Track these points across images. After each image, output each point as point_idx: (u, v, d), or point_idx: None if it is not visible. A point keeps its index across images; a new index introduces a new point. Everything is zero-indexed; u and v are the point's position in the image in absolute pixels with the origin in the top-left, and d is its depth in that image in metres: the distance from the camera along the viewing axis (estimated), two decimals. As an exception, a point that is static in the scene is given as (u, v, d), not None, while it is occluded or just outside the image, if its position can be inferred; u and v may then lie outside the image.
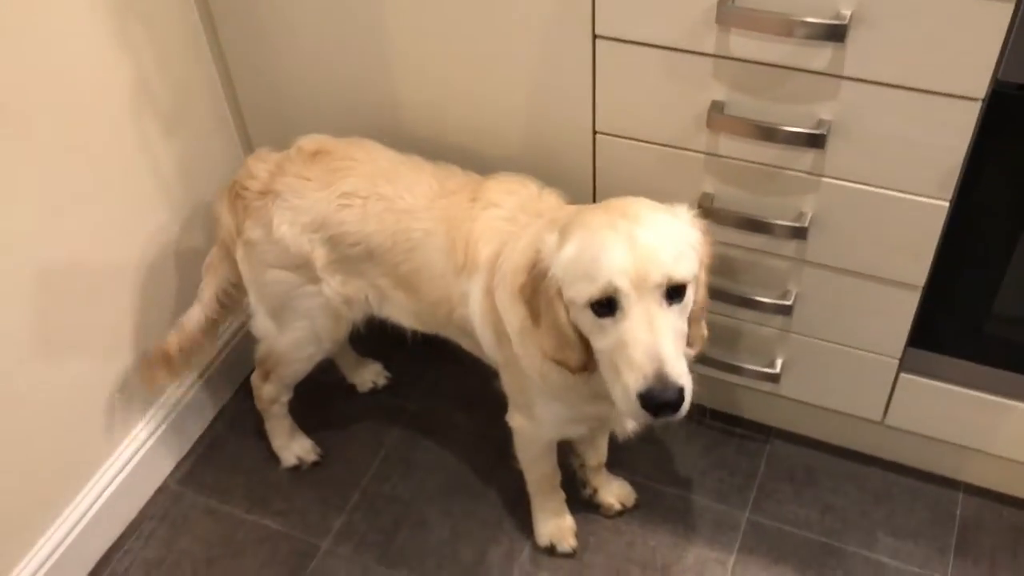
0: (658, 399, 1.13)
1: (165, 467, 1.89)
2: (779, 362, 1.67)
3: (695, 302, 1.24)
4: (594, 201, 1.58)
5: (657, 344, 1.14)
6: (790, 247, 1.50)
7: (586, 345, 1.25)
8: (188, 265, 1.82)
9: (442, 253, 1.45)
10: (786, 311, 1.57)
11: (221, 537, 1.79)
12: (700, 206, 1.48)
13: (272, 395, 1.80)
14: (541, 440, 1.57)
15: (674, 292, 1.18)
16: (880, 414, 1.68)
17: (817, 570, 1.68)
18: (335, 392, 2.02)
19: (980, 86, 1.22)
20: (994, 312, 1.45)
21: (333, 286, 1.55)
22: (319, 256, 1.52)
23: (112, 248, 1.66)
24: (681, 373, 1.15)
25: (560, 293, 1.22)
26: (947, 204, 1.35)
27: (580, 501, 1.77)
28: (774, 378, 1.68)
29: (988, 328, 1.48)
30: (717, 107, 1.37)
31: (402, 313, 1.58)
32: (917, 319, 1.51)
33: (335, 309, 1.59)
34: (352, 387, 2.03)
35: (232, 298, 1.71)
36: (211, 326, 1.74)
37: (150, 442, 1.83)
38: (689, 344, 1.26)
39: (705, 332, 1.35)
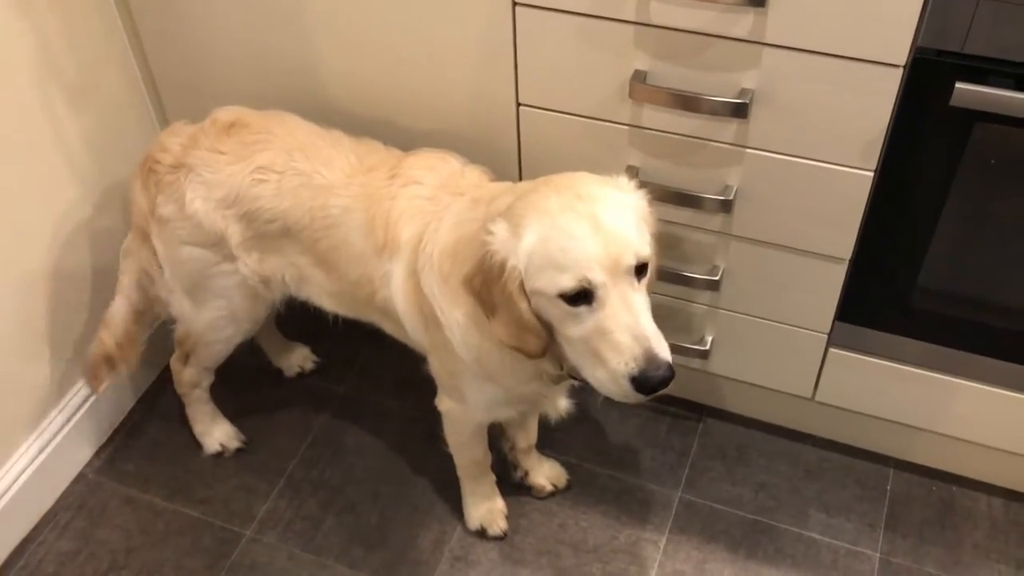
0: (653, 379, 1.13)
1: (82, 456, 1.82)
2: (709, 339, 1.65)
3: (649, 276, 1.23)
4: (520, 177, 1.55)
5: (640, 325, 1.14)
6: (716, 221, 1.48)
7: (548, 330, 1.22)
8: (103, 245, 1.75)
9: (361, 232, 1.40)
10: (714, 286, 1.55)
11: (140, 527, 1.73)
12: (626, 180, 1.46)
13: (192, 379, 1.74)
14: (471, 423, 1.53)
15: (640, 269, 1.17)
16: (810, 390, 1.66)
17: (749, 548, 1.66)
18: (261, 376, 1.96)
19: (901, 52, 1.20)
20: (920, 285, 1.44)
21: (250, 264, 1.50)
22: (233, 233, 1.47)
23: (19, 230, 1.59)
24: (665, 347, 1.15)
25: (522, 285, 1.18)
26: (872, 174, 1.33)
27: (511, 484, 1.74)
28: (704, 355, 1.66)
29: (915, 301, 1.47)
30: (639, 76, 1.34)
31: (322, 294, 1.53)
32: (845, 293, 1.50)
33: (252, 289, 1.54)
34: (279, 371, 1.97)
35: (155, 284, 1.63)
36: (138, 316, 1.68)
37: (65, 430, 1.76)
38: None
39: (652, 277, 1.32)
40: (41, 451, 1.72)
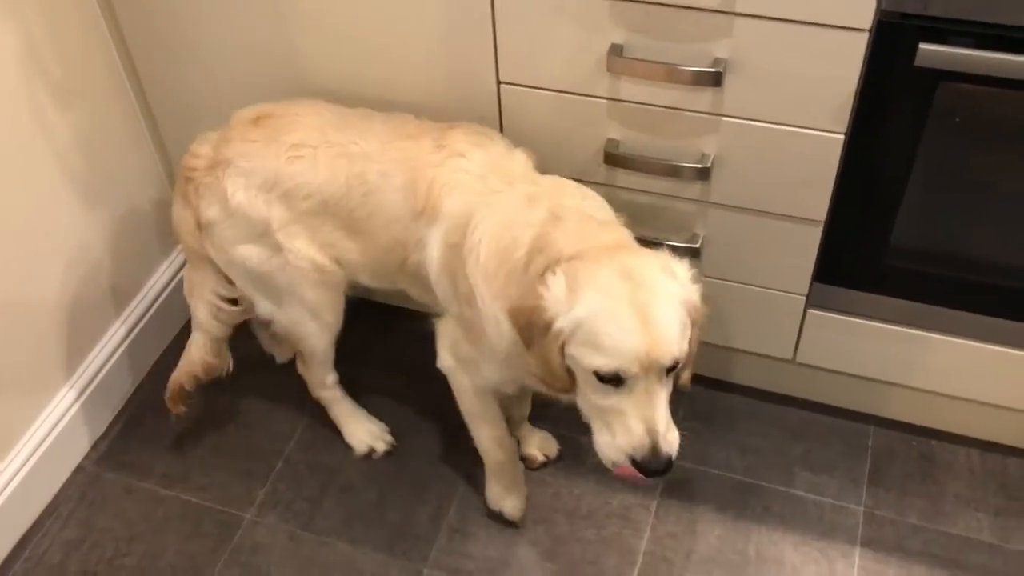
0: (649, 469, 1.22)
1: (81, 447, 1.85)
2: (692, 306, 1.69)
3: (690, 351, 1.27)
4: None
5: (655, 419, 1.21)
6: (695, 189, 1.52)
7: (573, 377, 1.27)
8: (91, 240, 1.78)
9: (400, 194, 1.42)
10: (695, 254, 1.59)
11: (142, 514, 1.76)
12: (606, 153, 1.50)
13: (314, 379, 1.76)
14: (472, 386, 1.52)
15: (673, 366, 1.22)
16: (791, 352, 1.72)
17: (738, 508, 1.72)
18: (255, 361, 1.99)
19: (865, 16, 1.25)
20: (893, 244, 1.50)
21: (296, 251, 1.51)
22: (276, 216, 1.48)
23: (8, 228, 1.61)
24: (672, 442, 1.23)
25: (563, 344, 1.22)
26: (842, 136, 1.38)
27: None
28: (688, 322, 1.70)
29: (888, 260, 1.52)
30: (616, 49, 1.38)
31: (357, 269, 1.54)
32: (821, 254, 1.55)
33: (312, 277, 1.54)
34: (271, 357, 2.00)
35: (231, 307, 1.67)
36: (219, 346, 1.73)
37: (63, 423, 1.78)
38: (679, 385, 1.30)
39: (689, 374, 1.36)
40: (39, 445, 1.74)
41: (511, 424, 1.76)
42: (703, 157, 1.47)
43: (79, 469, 1.83)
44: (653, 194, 1.55)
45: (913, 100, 1.32)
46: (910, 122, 1.35)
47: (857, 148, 1.40)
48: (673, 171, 1.49)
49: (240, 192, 1.48)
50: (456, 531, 1.71)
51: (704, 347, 1.77)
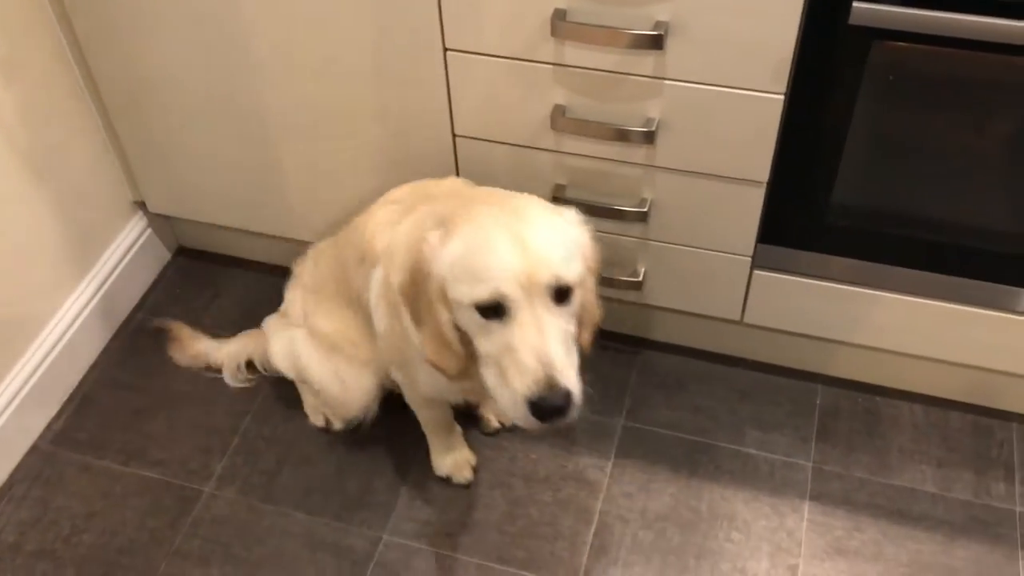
0: (548, 405, 1.12)
1: (35, 427, 1.84)
2: (641, 270, 1.72)
3: (583, 306, 1.23)
4: (452, 122, 1.60)
5: (546, 348, 1.12)
6: (640, 153, 1.55)
7: (468, 350, 1.22)
8: (40, 213, 1.76)
9: (353, 257, 1.51)
10: (643, 218, 1.62)
11: (99, 492, 1.75)
12: (553, 118, 1.52)
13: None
14: (422, 394, 1.56)
15: (562, 294, 1.16)
16: (739, 313, 1.75)
17: (690, 467, 1.75)
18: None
19: (801, -25, 1.28)
20: (834, 203, 1.53)
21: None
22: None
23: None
24: (570, 377, 1.14)
25: (444, 293, 1.19)
26: (782, 97, 1.41)
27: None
28: (637, 286, 1.73)
29: (830, 219, 1.55)
30: (559, 15, 1.40)
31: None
32: (765, 215, 1.58)
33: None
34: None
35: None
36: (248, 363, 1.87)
37: (16, 402, 1.77)
38: (580, 345, 1.25)
39: (598, 312, 1.34)
40: (-8, 425, 1.73)
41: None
42: (648, 121, 1.49)
43: (33, 449, 1.82)
44: (600, 159, 1.57)
45: (848, 59, 1.35)
46: (846, 81, 1.38)
47: (796, 108, 1.43)
48: (620, 135, 1.51)
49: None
50: (414, 499, 1.73)
51: (654, 311, 1.83)
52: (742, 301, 1.72)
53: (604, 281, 1.70)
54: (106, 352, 1.98)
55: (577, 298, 1.20)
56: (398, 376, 1.57)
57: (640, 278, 1.72)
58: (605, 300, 1.80)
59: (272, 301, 2.01)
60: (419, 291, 1.22)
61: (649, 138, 1.50)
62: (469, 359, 1.24)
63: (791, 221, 1.58)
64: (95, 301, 1.95)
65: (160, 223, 2.09)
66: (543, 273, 1.13)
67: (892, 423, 1.81)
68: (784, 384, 1.88)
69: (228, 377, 1.89)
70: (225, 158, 1.84)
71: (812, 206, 1.55)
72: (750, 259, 1.65)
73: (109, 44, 1.72)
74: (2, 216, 1.70)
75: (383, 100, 1.62)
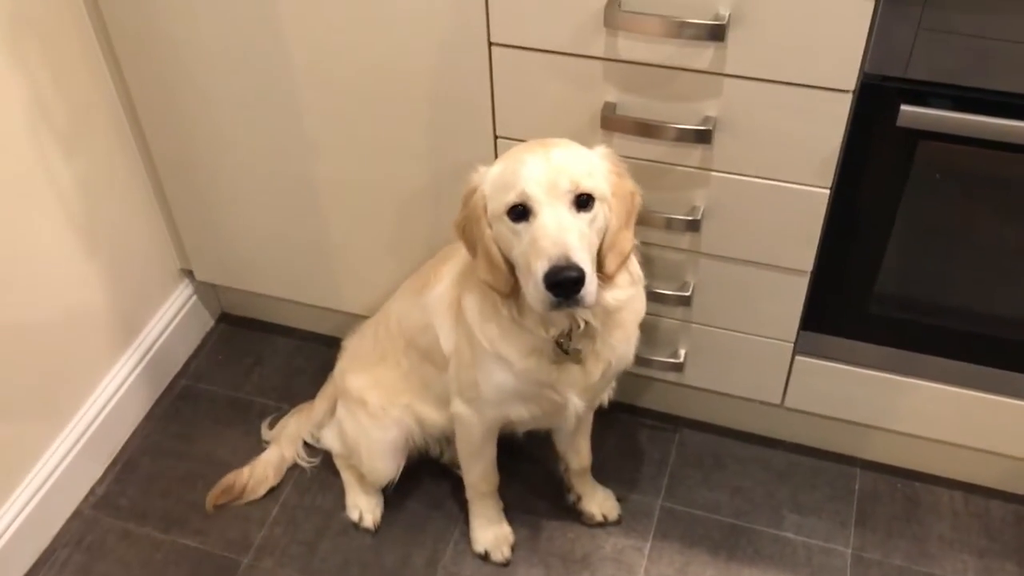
0: (562, 277, 1.21)
1: (78, 493, 1.86)
2: (682, 352, 1.74)
3: (611, 232, 1.31)
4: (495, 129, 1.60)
5: (563, 235, 1.23)
6: (685, 240, 1.57)
7: (512, 274, 1.33)
8: (92, 287, 1.81)
9: (409, 293, 1.65)
10: (686, 302, 1.64)
11: (139, 559, 1.77)
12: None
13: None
14: (483, 424, 1.56)
15: (583, 202, 1.27)
16: (780, 397, 1.76)
17: (729, 550, 1.75)
18: (249, 407, 2.01)
19: (849, 79, 1.31)
20: (877, 293, 1.55)
21: None
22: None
23: (9, 275, 1.64)
24: (584, 261, 1.23)
25: (485, 209, 1.31)
26: (828, 191, 1.43)
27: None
28: (678, 367, 1.74)
29: (873, 308, 1.57)
30: (610, 108, 1.44)
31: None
32: (808, 303, 1.59)
33: None
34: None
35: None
36: (281, 467, 1.89)
37: (61, 468, 1.80)
38: (602, 270, 1.32)
39: (636, 269, 1.42)
40: (37, 491, 1.75)
41: (571, 475, 1.79)
42: (693, 209, 1.52)
43: (76, 514, 1.84)
44: (646, 244, 1.59)
45: (895, 157, 1.38)
46: (892, 178, 1.40)
47: (842, 202, 1.45)
48: (665, 223, 1.53)
49: None
50: (452, 575, 1.73)
51: (693, 391, 1.83)
52: (783, 386, 1.73)
53: (643, 362, 1.72)
54: (149, 417, 2.01)
55: (599, 211, 1.29)
56: (460, 409, 1.55)
57: (681, 359, 1.73)
58: (644, 379, 1.85)
59: (314, 369, 2.05)
60: (469, 217, 1.35)
61: (694, 226, 1.52)
62: (515, 281, 1.33)
63: (834, 309, 1.59)
64: (141, 366, 1.98)
65: (205, 290, 2.14)
66: (563, 178, 1.25)
67: (932, 510, 1.80)
68: (823, 467, 1.87)
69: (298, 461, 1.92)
70: (274, 230, 1.88)
71: (855, 296, 1.56)
72: (792, 345, 1.66)
73: (167, 118, 1.77)
74: (55, 283, 1.74)
75: (437, 181, 1.66)
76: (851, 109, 1.34)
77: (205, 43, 1.61)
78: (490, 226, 1.32)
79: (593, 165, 1.31)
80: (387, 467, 1.74)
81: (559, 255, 1.22)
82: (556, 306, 1.25)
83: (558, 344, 1.39)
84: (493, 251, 1.32)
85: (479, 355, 1.46)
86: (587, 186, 1.27)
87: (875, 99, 1.32)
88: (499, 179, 1.30)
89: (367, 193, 1.74)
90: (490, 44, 1.45)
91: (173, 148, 1.81)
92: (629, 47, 1.37)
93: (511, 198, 1.26)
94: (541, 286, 1.23)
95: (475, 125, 1.56)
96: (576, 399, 1.47)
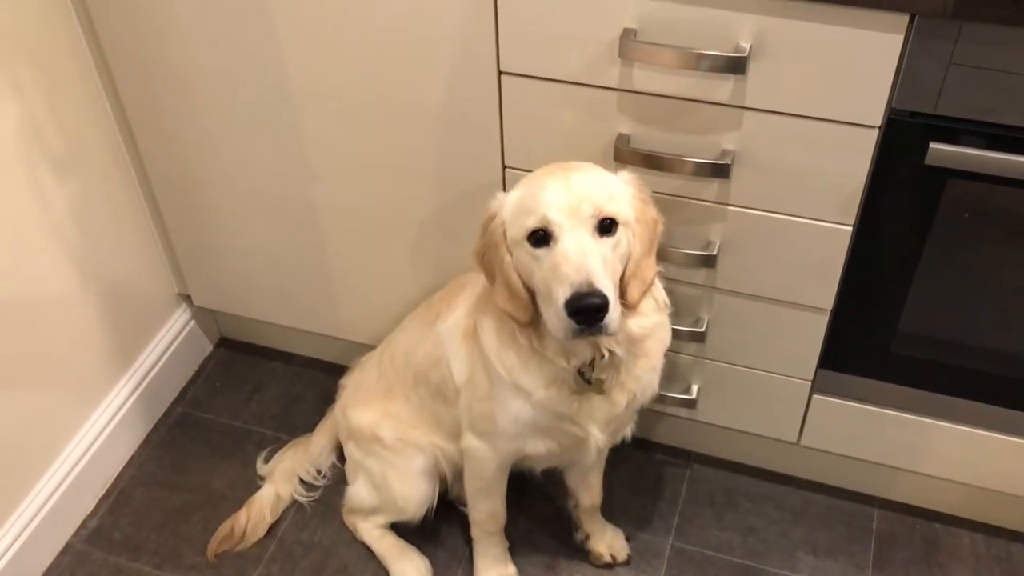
0: (584, 303, 1.16)
1: (69, 526, 1.80)
2: (695, 388, 1.68)
3: (633, 261, 1.27)
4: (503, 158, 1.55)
5: (586, 260, 1.18)
6: (700, 275, 1.51)
7: (533, 301, 1.28)
8: (85, 311, 1.75)
9: (417, 324, 1.60)
10: (699, 338, 1.58)
11: (131, 596, 1.72)
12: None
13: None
14: (496, 459, 1.50)
15: (606, 226, 1.22)
16: (795, 435, 1.70)
17: (741, 593, 1.69)
18: (247, 436, 1.96)
19: (876, 114, 1.25)
20: (900, 332, 1.49)
21: None
22: None
23: (2, 296, 1.59)
24: (606, 285, 1.18)
25: (505, 235, 1.27)
26: (850, 228, 1.38)
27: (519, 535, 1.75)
28: (691, 404, 1.69)
29: (895, 348, 1.51)
30: (623, 140, 1.38)
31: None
32: (827, 341, 1.54)
33: None
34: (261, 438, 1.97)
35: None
36: (278, 505, 1.82)
37: (51, 502, 1.74)
38: (625, 298, 1.27)
39: (661, 294, 1.38)
40: (27, 525, 1.70)
41: (581, 513, 1.73)
42: (709, 244, 1.46)
43: (67, 548, 1.78)
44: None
45: (922, 196, 1.32)
46: (918, 216, 1.34)
47: (865, 239, 1.39)
48: (678, 258, 1.48)
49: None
50: (454, 616, 1.68)
51: (707, 427, 1.78)
52: (799, 424, 1.67)
53: (656, 397, 1.66)
54: (144, 445, 1.95)
55: (622, 237, 1.24)
56: (473, 443, 1.50)
57: (693, 396, 1.68)
58: (657, 414, 1.79)
59: (314, 398, 2.00)
60: (488, 244, 1.30)
61: (709, 261, 1.47)
62: (535, 309, 1.29)
63: (855, 348, 1.54)
64: (137, 394, 1.93)
65: (203, 315, 2.08)
66: (584, 203, 1.21)
67: (952, 553, 1.74)
68: (838, 506, 1.81)
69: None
70: (274, 255, 1.82)
71: (877, 335, 1.50)
72: (810, 383, 1.60)
73: (164, 141, 1.71)
74: (49, 309, 1.69)
75: (442, 209, 1.61)
76: (876, 145, 1.28)
77: (203, 65, 1.56)
78: (510, 253, 1.28)
79: (616, 189, 1.26)
80: (422, 494, 1.66)
81: (581, 281, 1.17)
82: (578, 334, 1.20)
83: (580, 374, 1.34)
84: (513, 278, 1.28)
85: (495, 384, 1.40)
86: (610, 210, 1.22)
87: (903, 136, 1.27)
88: (519, 204, 1.26)
89: (369, 220, 1.68)
90: (500, 72, 1.40)
91: (171, 171, 1.76)
92: (645, 78, 1.31)
93: (531, 223, 1.22)
94: (563, 313, 1.18)
95: (483, 154, 1.50)
96: (598, 432, 1.41)
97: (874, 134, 1.27)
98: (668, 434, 1.89)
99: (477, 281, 1.44)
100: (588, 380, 1.35)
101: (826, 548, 1.75)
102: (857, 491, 1.82)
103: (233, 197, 1.75)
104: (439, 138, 1.51)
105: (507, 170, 1.51)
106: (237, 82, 1.56)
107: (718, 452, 1.88)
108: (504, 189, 1.52)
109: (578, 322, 1.18)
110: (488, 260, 1.32)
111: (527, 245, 1.23)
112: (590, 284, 1.17)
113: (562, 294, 1.18)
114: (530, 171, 1.45)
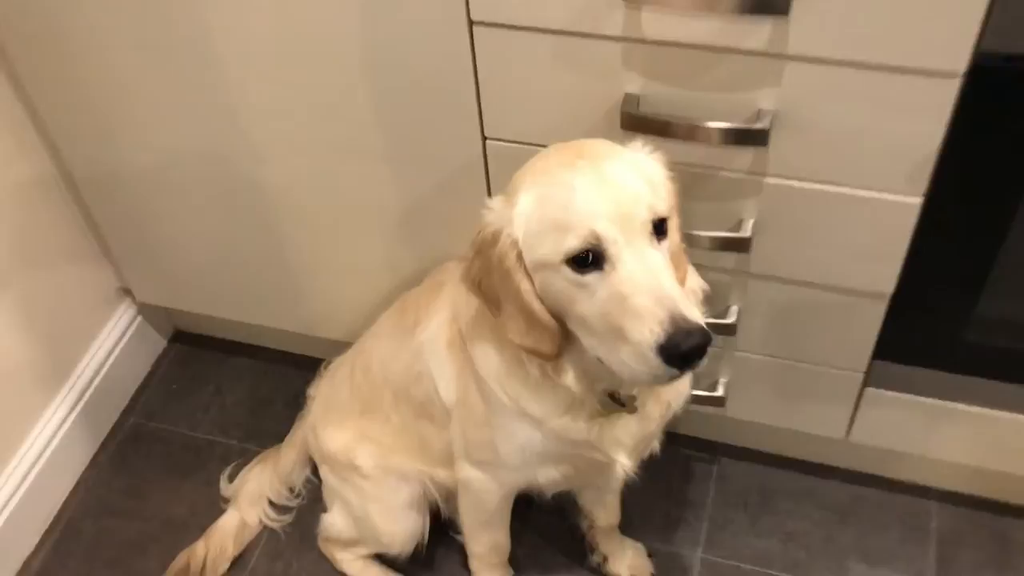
0: (684, 346, 0.91)
1: (7, 569, 1.58)
2: (722, 384, 1.43)
3: (671, 250, 1.01)
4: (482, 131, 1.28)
5: (662, 286, 0.93)
6: (730, 259, 1.25)
7: (558, 323, 1.03)
8: (7, 323, 1.49)
9: (391, 329, 1.34)
10: (729, 330, 1.33)
11: (83, 647, 1.49)
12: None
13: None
14: (498, 492, 1.29)
15: (659, 227, 0.97)
16: (843, 431, 1.46)
17: (784, 613, 1.47)
18: (209, 449, 1.72)
19: (959, 59, 0.97)
20: (975, 317, 1.23)
21: None
22: None
23: None
24: (695, 313, 0.94)
25: (521, 257, 0.99)
26: (919, 200, 1.11)
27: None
28: (719, 401, 1.44)
29: (969, 335, 1.25)
30: (631, 102, 1.10)
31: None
32: (884, 329, 1.28)
33: None
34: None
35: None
36: (241, 534, 1.58)
37: (-15, 542, 1.51)
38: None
39: (698, 281, 1.13)
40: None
41: (597, 534, 1.51)
42: (740, 224, 1.20)
43: (9, 592, 1.56)
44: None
45: (1014, 159, 1.04)
46: (1009, 185, 1.07)
47: (938, 212, 1.12)
48: (704, 241, 1.21)
49: None
50: (452, 653, 1.46)
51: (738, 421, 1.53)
52: (848, 420, 1.43)
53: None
54: (91, 468, 1.71)
55: (672, 234, 1.01)
56: (470, 474, 1.27)
57: (720, 392, 1.43)
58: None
59: (283, 399, 1.77)
60: (490, 267, 1.02)
61: (741, 244, 1.20)
62: (562, 334, 1.03)
63: (919, 336, 1.28)
64: (80, 407, 1.69)
65: (152, 308, 1.82)
66: (637, 207, 0.95)
67: (1026, 552, 1.51)
68: (890, 501, 1.58)
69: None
70: (223, 248, 1.56)
71: (947, 321, 1.25)
72: (863, 376, 1.35)
73: (78, 124, 1.44)
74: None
75: (413, 190, 1.34)
76: (957, 98, 1.00)
77: (106, 26, 1.27)
78: (529, 278, 1.00)
79: (654, 173, 1.01)
80: (408, 529, 1.43)
81: (669, 316, 0.91)
82: (669, 380, 0.95)
83: (611, 397, 1.09)
84: (535, 308, 1.01)
85: (496, 411, 1.16)
86: (662, 209, 0.97)
87: (992, 85, 0.98)
88: (542, 217, 0.97)
89: (327, 205, 1.42)
90: (471, 23, 1.11)
91: (90, 156, 1.49)
92: (657, 23, 1.03)
93: (573, 244, 0.94)
94: (654, 359, 0.92)
95: (458, 124, 1.22)
96: (625, 459, 1.16)
97: (955, 84, 0.99)
98: (692, 425, 1.64)
99: (456, 274, 1.16)
100: (621, 402, 1.10)
101: (880, 553, 1.52)
102: (911, 482, 1.59)
103: (167, 183, 1.48)
104: (402, 107, 1.23)
105: (488, 142, 1.23)
106: (155, 47, 1.27)
107: (750, 443, 1.64)
108: (486, 165, 1.25)
109: (678, 366, 0.92)
110: (490, 288, 1.04)
111: (567, 271, 0.96)
112: (683, 318, 0.91)
113: (648, 336, 0.91)
114: (520, 144, 1.20)
